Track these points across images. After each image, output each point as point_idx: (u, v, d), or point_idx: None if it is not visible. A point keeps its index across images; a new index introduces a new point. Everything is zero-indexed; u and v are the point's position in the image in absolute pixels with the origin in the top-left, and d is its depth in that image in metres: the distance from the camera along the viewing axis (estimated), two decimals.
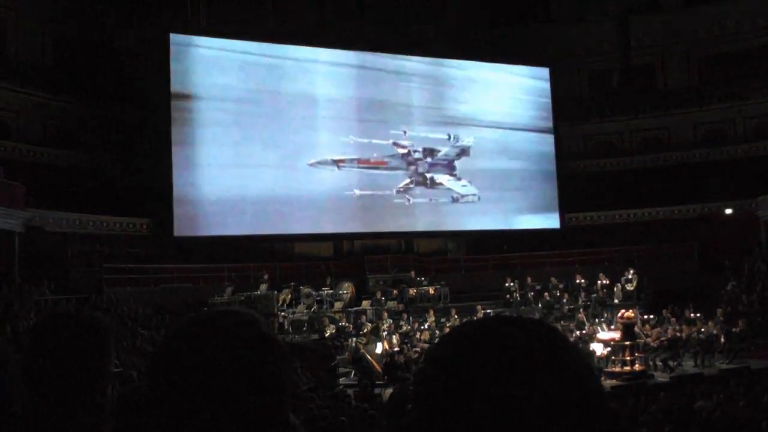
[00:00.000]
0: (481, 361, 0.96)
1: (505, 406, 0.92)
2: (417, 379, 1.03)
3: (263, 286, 23.57)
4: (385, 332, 20.45)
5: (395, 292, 25.33)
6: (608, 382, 17.86)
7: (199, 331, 1.25)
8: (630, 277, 26.60)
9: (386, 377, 18.22)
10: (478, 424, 0.93)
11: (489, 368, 0.95)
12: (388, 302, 24.18)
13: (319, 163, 27.70)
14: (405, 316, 23.30)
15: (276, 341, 1.29)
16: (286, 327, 22.58)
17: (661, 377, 18.75)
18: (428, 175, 29.75)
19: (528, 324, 1.02)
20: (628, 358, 18.66)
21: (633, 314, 20.10)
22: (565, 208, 31.63)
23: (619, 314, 20.40)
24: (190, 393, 1.18)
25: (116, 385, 2.01)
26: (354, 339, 20.34)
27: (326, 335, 21.60)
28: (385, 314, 22.51)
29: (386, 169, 29.02)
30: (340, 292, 24.94)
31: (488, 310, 23.99)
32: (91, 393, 1.83)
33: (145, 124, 27.26)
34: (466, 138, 30.42)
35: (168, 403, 1.20)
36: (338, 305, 24.00)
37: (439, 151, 30.05)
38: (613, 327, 20.34)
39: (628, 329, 19.03)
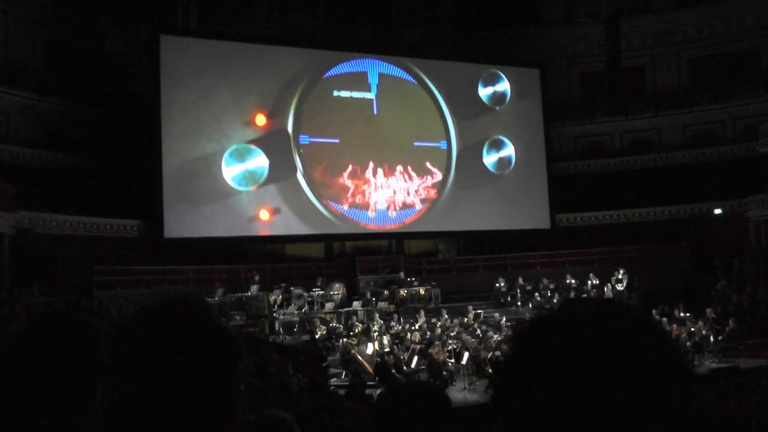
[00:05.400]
0: (595, 343, 0.95)
1: (616, 386, 0.92)
2: (514, 362, 1.00)
3: (254, 287, 23.56)
4: (376, 333, 20.47)
5: (386, 292, 25.37)
6: None
7: (146, 321, 1.25)
8: (620, 277, 26.75)
9: (377, 378, 18.22)
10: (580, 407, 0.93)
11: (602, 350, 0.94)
12: (379, 303, 24.19)
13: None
14: (396, 316, 23.32)
15: (225, 333, 1.27)
16: (277, 328, 22.56)
17: None
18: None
19: (629, 311, 1.02)
20: None
21: None
22: (555, 208, 31.71)
23: None
24: (135, 385, 1.19)
25: (106, 387, 2.02)
26: (345, 340, 20.35)
27: (317, 336, 21.59)
28: (376, 315, 22.52)
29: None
30: (331, 293, 24.93)
31: (479, 311, 24.06)
32: (81, 395, 1.84)
33: (136, 126, 27.18)
34: None
35: (120, 394, 1.21)
36: (329, 306, 23.99)
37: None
38: None
39: None
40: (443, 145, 30.64)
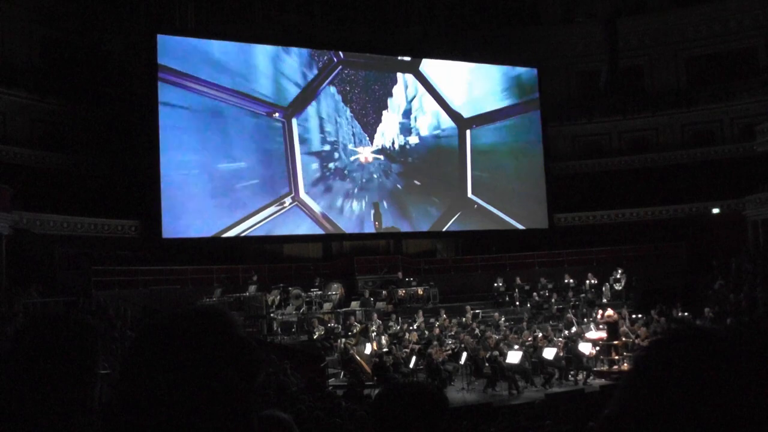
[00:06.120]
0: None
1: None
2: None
3: (252, 288, 23.53)
4: (375, 333, 20.46)
5: (384, 292, 25.35)
6: (597, 382, 17.95)
7: (166, 334, 1.25)
8: (618, 276, 26.77)
9: (375, 378, 18.22)
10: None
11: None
12: (378, 303, 24.17)
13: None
14: (394, 316, 23.31)
15: (248, 347, 1.27)
16: (275, 328, 22.55)
17: None
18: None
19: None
20: (616, 357, 18.75)
21: (612, 312, 20.27)
22: (553, 208, 31.71)
23: (600, 315, 20.56)
24: (154, 394, 1.18)
25: (104, 387, 2.02)
26: (343, 340, 20.34)
27: (315, 336, 21.59)
28: (375, 315, 22.51)
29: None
30: (330, 293, 24.91)
31: (478, 311, 24.08)
32: (79, 395, 1.84)
33: (133, 125, 27.17)
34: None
35: (136, 404, 1.20)
36: (327, 306, 23.97)
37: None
38: (601, 327, 20.46)
39: (612, 329, 19.13)
40: None
